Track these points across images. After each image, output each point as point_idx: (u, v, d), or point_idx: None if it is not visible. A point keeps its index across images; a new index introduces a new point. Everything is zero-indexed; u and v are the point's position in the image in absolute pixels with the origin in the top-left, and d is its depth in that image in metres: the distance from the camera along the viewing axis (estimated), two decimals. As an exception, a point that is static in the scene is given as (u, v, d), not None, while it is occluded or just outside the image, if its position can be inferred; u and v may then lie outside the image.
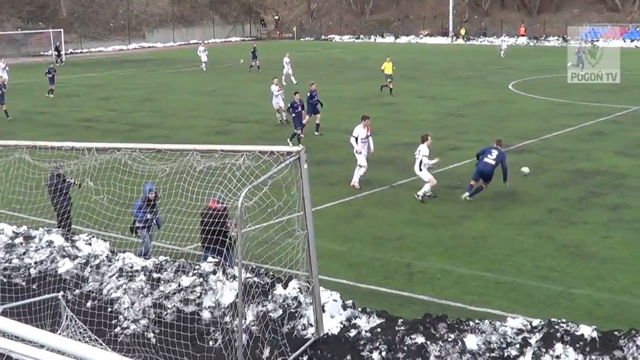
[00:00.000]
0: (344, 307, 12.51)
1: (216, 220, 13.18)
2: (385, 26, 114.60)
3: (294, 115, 29.80)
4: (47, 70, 48.16)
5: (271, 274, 13.23)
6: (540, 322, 11.83)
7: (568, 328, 11.55)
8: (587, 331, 11.43)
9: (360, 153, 23.01)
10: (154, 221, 16.04)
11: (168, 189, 13.55)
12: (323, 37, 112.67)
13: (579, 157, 27.04)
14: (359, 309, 12.50)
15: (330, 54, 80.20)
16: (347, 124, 32.64)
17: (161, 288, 13.28)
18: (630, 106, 38.82)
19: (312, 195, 11.62)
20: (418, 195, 21.48)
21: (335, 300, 12.49)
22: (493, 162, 21.34)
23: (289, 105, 30.17)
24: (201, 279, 13.23)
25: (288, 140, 29.11)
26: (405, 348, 11.20)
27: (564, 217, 19.88)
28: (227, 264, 13.55)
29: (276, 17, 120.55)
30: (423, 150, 21.56)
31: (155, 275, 13.58)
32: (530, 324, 11.83)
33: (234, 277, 12.95)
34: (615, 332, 11.51)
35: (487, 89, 47.31)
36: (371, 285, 15.34)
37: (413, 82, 52.10)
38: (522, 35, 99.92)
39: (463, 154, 27.40)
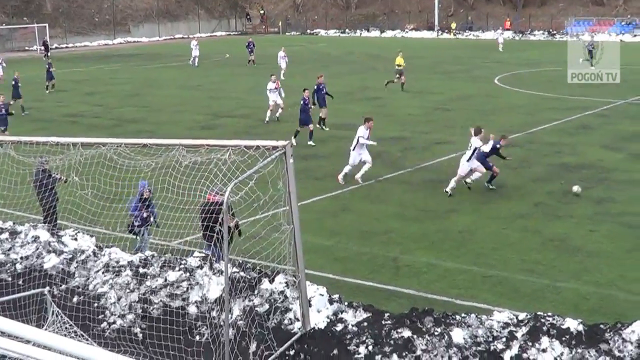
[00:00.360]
0: (331, 301, 12.52)
1: (215, 215, 12.99)
2: (370, 20, 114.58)
3: (303, 112, 28.90)
4: (47, 67, 48.25)
5: (258, 268, 13.20)
6: (527, 315, 11.88)
7: (554, 321, 11.59)
8: (573, 324, 11.48)
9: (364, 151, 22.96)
10: (151, 217, 15.93)
11: (154, 184, 13.51)
12: (309, 31, 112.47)
13: (565, 151, 27.12)
14: (346, 303, 12.51)
15: (315, 49, 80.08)
16: (332, 119, 32.71)
17: (147, 283, 13.25)
18: (616, 100, 38.94)
19: (299, 189, 11.62)
20: (447, 191, 21.48)
21: (322, 295, 12.49)
22: (487, 151, 21.53)
23: (301, 102, 29.20)
24: (187, 274, 13.20)
25: (309, 142, 28.77)
26: (391, 342, 11.22)
27: (549, 210, 19.94)
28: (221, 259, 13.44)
29: (262, 12, 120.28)
30: (475, 143, 21.54)
31: (141, 270, 13.55)
32: (517, 317, 11.87)
33: (220, 271, 12.93)
34: (601, 325, 11.56)
35: (473, 83, 47.36)
36: (358, 280, 15.36)
37: (399, 76, 52.16)
38: (508, 29, 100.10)
39: (449, 148, 27.45)
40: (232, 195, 10.00)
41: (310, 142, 28.73)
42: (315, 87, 31.97)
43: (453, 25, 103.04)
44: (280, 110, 34.62)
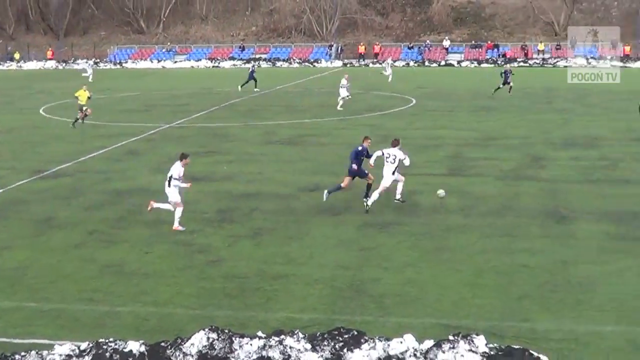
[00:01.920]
0: None
1: None
2: None
3: None
4: None
5: None
6: (88, 344, 11.85)
7: (116, 346, 11.73)
8: (135, 346, 11.72)
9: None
10: None
11: None
12: None
13: (115, 177, 27.40)
14: None
15: None
16: None
17: None
18: (160, 124, 40.41)
19: None
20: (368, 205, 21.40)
21: None
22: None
23: None
24: None
25: None
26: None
27: (104, 237, 19.98)
28: None
29: None
30: (399, 155, 21.54)
31: None
32: (79, 348, 11.81)
33: None
34: (162, 343, 11.94)
35: (19, 115, 46.07)
36: None
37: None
38: (51, 59, 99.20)
39: (-4, 182, 26.37)
40: None
41: None
42: None
43: (17, 56, 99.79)
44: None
